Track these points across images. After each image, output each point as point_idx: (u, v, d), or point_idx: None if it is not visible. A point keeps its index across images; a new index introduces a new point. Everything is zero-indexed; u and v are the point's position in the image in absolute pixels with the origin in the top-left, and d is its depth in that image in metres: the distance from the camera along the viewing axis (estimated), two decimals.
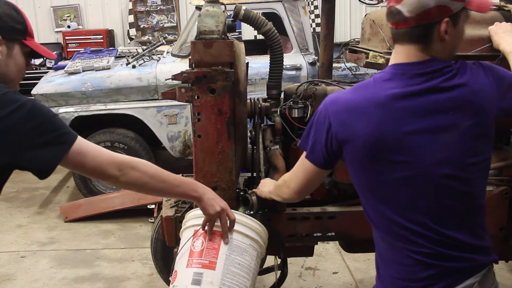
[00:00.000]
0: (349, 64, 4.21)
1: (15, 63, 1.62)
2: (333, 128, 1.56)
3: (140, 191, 1.82)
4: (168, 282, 3.23)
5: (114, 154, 1.68)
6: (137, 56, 5.13)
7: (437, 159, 1.52)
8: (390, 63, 1.60)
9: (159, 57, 5.19)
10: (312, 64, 5.03)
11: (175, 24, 8.63)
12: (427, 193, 1.53)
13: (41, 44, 1.75)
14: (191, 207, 2.47)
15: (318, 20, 6.72)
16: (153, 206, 3.53)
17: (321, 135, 1.60)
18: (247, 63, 2.54)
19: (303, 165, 1.72)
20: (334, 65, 2.97)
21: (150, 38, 8.43)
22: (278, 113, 2.63)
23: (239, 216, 2.04)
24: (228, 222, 1.96)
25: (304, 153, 1.70)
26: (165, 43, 5.68)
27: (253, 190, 2.33)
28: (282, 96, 2.76)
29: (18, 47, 1.62)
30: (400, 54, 1.57)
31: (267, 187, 2.19)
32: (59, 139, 1.53)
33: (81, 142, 1.58)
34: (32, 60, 1.76)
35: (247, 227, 2.04)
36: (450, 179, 1.54)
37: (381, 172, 1.53)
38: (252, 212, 2.38)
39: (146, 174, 1.72)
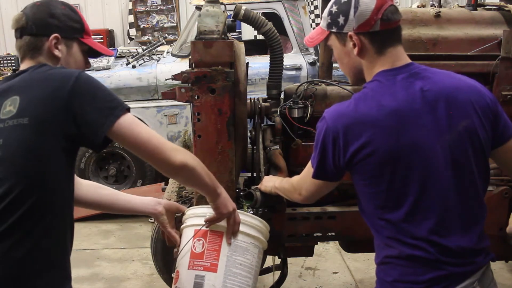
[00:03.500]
0: None
1: (74, 61, 1.67)
2: (342, 142, 1.55)
3: (186, 177, 1.67)
4: (168, 282, 3.23)
5: None
6: (137, 56, 5.13)
7: (444, 161, 1.53)
8: (380, 67, 1.61)
9: (159, 57, 5.20)
10: (312, 64, 5.03)
11: (175, 24, 8.64)
12: (434, 196, 1.53)
13: None
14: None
15: (318, 20, 6.72)
16: None
17: (328, 151, 1.59)
18: (247, 63, 2.54)
19: (312, 179, 1.71)
20: (334, 65, 2.96)
21: (150, 38, 8.44)
22: (278, 113, 2.63)
23: (240, 215, 2.03)
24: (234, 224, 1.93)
25: (311, 168, 1.69)
26: (165, 43, 5.69)
27: (257, 186, 2.34)
28: (282, 96, 2.76)
29: (76, 46, 1.67)
30: (389, 57, 1.60)
31: (271, 182, 2.19)
32: (113, 104, 1.50)
33: (133, 116, 1.54)
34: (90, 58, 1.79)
35: (247, 226, 2.01)
36: (455, 180, 1.55)
37: (393, 177, 1.53)
38: (254, 211, 2.38)
39: (197, 159, 1.66)
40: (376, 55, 1.60)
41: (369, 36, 1.59)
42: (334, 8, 1.63)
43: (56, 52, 1.62)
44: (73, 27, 1.66)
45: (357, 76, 1.68)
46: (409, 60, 1.62)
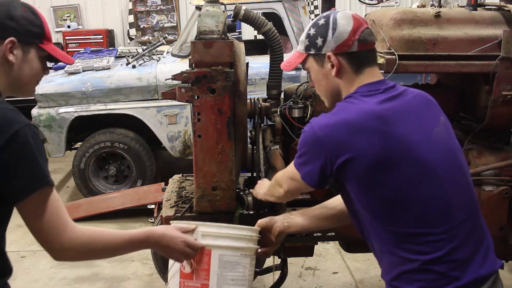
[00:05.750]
0: None
1: (30, 68, 1.57)
2: (332, 152, 1.54)
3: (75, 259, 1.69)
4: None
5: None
6: (137, 56, 5.13)
7: (439, 158, 1.54)
8: (359, 85, 1.63)
9: (159, 57, 5.19)
10: None
11: (175, 24, 8.64)
12: (438, 196, 1.53)
13: None
14: (191, 208, 2.47)
15: None
16: (153, 206, 3.53)
17: (316, 161, 1.58)
18: (247, 63, 2.54)
19: (297, 180, 1.69)
20: None
21: (150, 38, 8.44)
22: (278, 113, 2.63)
23: (225, 230, 1.92)
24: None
25: (295, 170, 1.67)
26: (165, 43, 5.68)
27: (250, 190, 2.33)
28: (282, 96, 2.76)
29: (34, 51, 1.57)
30: (367, 76, 1.64)
31: (263, 188, 2.16)
32: (34, 176, 1.46)
33: (54, 192, 1.51)
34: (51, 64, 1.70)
35: (234, 239, 1.92)
36: (449, 177, 1.55)
37: (392, 180, 1.52)
38: (253, 212, 2.38)
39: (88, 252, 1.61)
40: (354, 75, 1.64)
41: (347, 56, 1.63)
42: (312, 31, 1.67)
43: (11, 57, 1.51)
44: (32, 32, 1.55)
45: (334, 99, 1.70)
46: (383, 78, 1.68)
